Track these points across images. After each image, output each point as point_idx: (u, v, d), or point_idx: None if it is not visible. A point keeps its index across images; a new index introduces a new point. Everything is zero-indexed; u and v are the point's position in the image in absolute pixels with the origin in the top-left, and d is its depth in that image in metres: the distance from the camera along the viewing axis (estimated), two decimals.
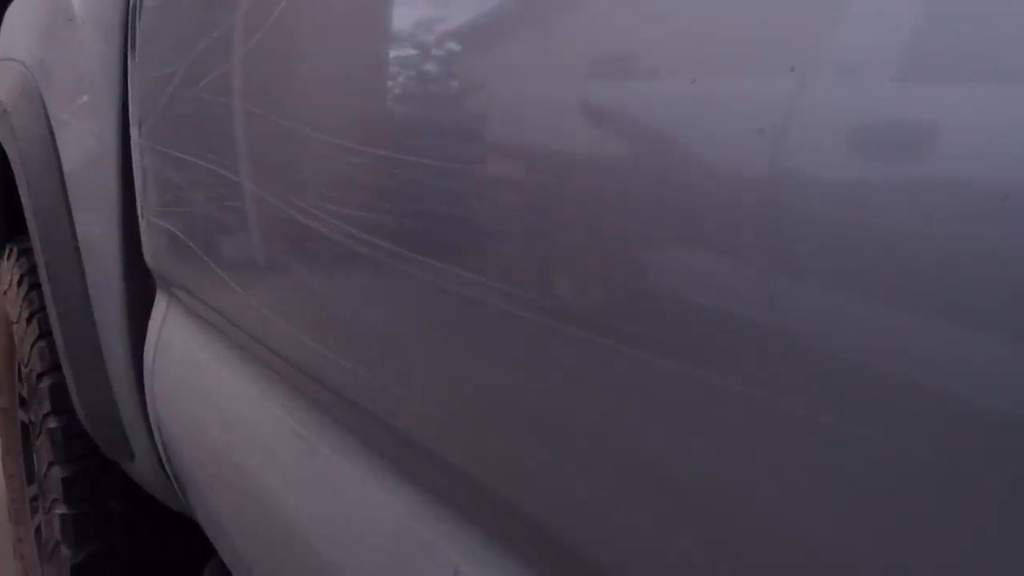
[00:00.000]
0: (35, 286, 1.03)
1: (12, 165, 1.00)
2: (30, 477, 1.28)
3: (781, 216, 0.21)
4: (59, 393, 0.98)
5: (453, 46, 0.34)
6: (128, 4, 0.74)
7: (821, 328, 0.20)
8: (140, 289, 0.79)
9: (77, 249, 0.89)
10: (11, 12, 1.14)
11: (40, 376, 1.01)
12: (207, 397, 0.66)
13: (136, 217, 0.76)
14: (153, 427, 0.80)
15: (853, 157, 0.19)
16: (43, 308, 1.00)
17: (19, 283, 1.09)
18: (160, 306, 0.77)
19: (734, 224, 0.22)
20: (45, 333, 1.00)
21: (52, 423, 0.99)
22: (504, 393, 0.32)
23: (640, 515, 0.26)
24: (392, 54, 0.39)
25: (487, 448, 0.33)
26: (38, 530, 1.20)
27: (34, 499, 1.25)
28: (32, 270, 1.06)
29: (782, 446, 0.21)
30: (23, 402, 1.22)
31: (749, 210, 0.21)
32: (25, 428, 1.26)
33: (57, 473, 0.98)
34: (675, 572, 0.25)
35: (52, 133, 0.94)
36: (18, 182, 0.98)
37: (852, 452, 0.20)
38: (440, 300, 0.34)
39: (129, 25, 0.73)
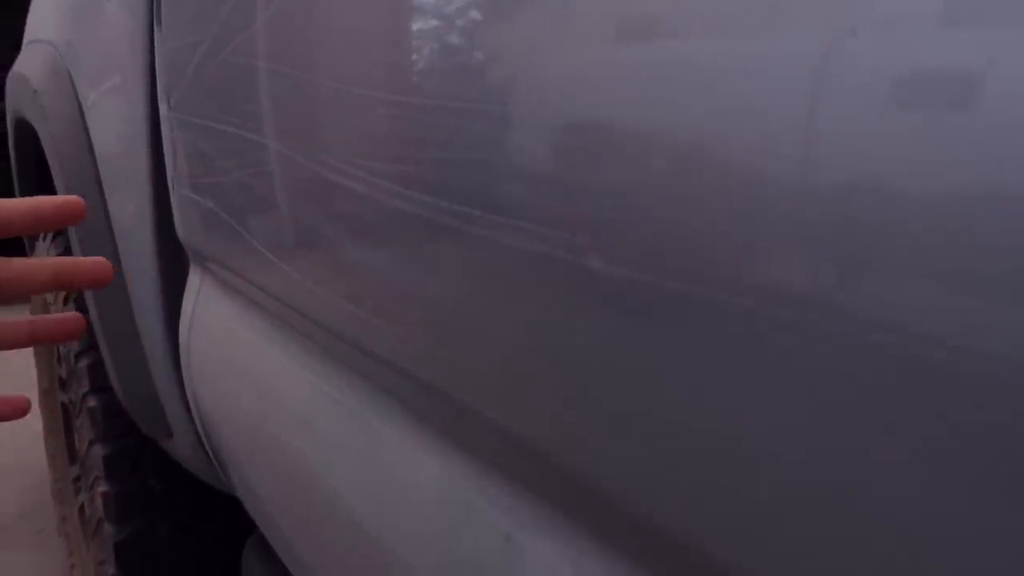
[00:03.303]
0: None
1: (44, 147, 1.01)
2: (72, 457, 1.30)
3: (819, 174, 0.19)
4: (97, 372, 0.99)
5: None
6: None
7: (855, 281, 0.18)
8: (174, 265, 0.79)
9: (110, 228, 0.89)
10: None
11: (78, 356, 1.02)
12: (243, 370, 0.65)
13: (168, 193, 0.76)
14: (190, 403, 0.80)
15: (896, 108, 0.18)
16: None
17: None
18: (194, 281, 0.77)
19: (763, 174, 0.20)
20: (82, 313, 1.00)
21: (91, 402, 1.00)
22: (552, 351, 0.30)
23: (699, 475, 0.24)
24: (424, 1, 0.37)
25: (534, 408, 0.32)
26: (81, 508, 1.22)
27: (77, 479, 1.27)
28: (67, 251, 1.07)
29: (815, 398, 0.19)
30: (62, 383, 1.24)
31: (781, 166, 0.20)
32: (65, 409, 1.28)
33: (98, 452, 0.99)
34: (734, 527, 0.24)
35: (82, 113, 0.94)
36: (50, 163, 0.98)
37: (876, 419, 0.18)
38: (484, 256, 0.32)
39: None
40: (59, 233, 1.10)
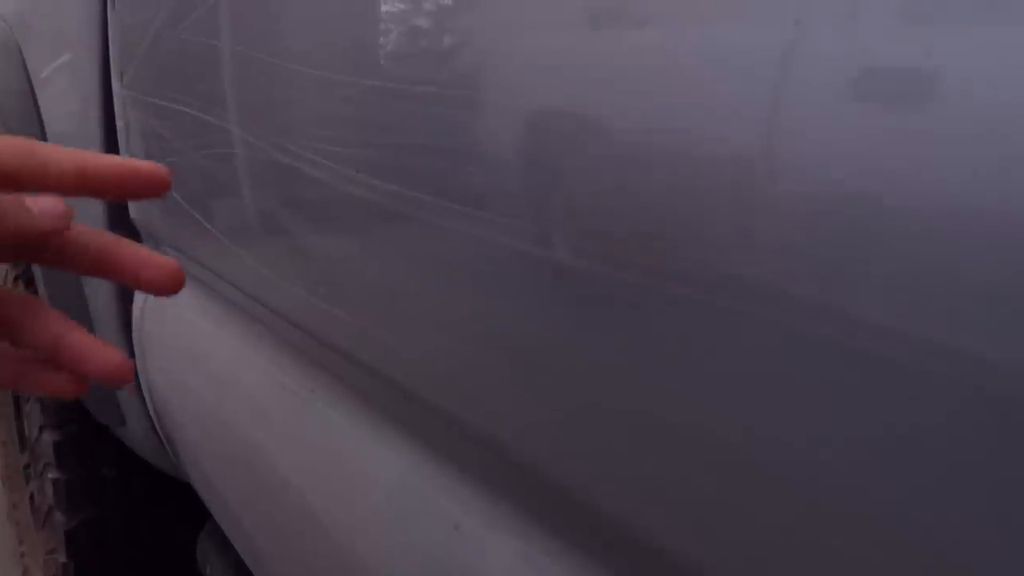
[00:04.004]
0: None
1: None
2: (22, 443, 1.27)
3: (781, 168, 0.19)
4: None
5: None
6: None
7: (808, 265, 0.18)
8: None
9: None
10: None
11: None
12: (197, 356, 0.64)
13: None
14: (143, 389, 0.78)
15: (855, 103, 0.18)
16: (29, 271, 0.98)
17: None
18: None
19: (730, 166, 0.20)
20: (31, 294, 0.97)
21: None
22: (506, 342, 0.30)
23: (650, 467, 0.24)
24: None
25: (486, 399, 0.32)
26: (31, 496, 1.19)
27: (27, 466, 1.23)
28: None
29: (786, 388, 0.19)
30: None
31: (746, 156, 0.20)
32: (15, 394, 1.25)
33: (48, 438, 0.97)
34: (680, 516, 0.24)
35: (32, 88, 0.91)
36: None
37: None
38: (441, 246, 0.32)
39: None
40: None
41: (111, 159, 0.28)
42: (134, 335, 0.76)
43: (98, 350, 0.28)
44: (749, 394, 0.21)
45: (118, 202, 0.74)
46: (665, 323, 0.23)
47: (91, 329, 0.84)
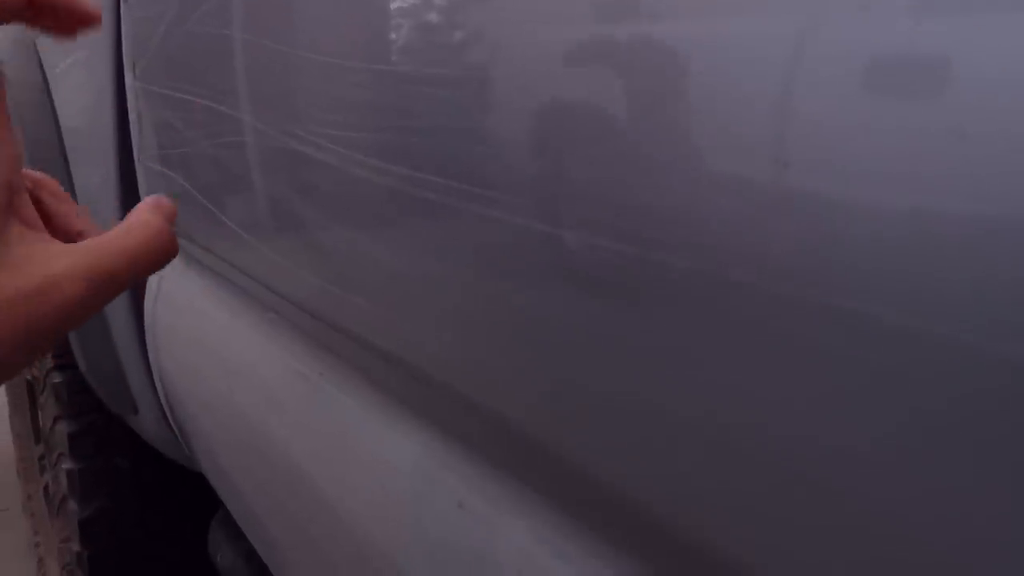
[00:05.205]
0: None
1: None
2: (37, 435, 1.28)
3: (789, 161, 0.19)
4: (61, 348, 0.97)
5: None
6: None
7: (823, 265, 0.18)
8: None
9: (75, 199, 0.87)
10: None
11: None
12: (208, 345, 0.65)
13: (133, 165, 0.74)
14: (155, 379, 0.79)
15: (867, 95, 0.18)
16: None
17: None
18: None
19: (742, 161, 0.20)
20: None
21: (56, 378, 0.98)
22: (515, 324, 0.30)
23: (655, 442, 0.25)
24: None
25: (497, 380, 0.32)
26: (46, 487, 1.20)
27: (41, 457, 1.25)
28: None
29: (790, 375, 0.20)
30: None
31: (757, 149, 0.20)
32: (30, 386, 1.26)
33: (63, 428, 0.98)
34: (688, 496, 0.24)
35: (46, 81, 0.91)
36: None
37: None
38: (451, 229, 0.32)
39: None
40: None
41: None
42: (146, 323, 0.77)
43: None
44: (755, 382, 0.21)
45: (131, 192, 0.75)
46: (672, 309, 0.23)
47: (103, 317, 0.85)
